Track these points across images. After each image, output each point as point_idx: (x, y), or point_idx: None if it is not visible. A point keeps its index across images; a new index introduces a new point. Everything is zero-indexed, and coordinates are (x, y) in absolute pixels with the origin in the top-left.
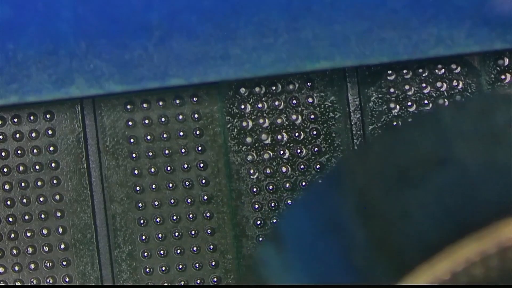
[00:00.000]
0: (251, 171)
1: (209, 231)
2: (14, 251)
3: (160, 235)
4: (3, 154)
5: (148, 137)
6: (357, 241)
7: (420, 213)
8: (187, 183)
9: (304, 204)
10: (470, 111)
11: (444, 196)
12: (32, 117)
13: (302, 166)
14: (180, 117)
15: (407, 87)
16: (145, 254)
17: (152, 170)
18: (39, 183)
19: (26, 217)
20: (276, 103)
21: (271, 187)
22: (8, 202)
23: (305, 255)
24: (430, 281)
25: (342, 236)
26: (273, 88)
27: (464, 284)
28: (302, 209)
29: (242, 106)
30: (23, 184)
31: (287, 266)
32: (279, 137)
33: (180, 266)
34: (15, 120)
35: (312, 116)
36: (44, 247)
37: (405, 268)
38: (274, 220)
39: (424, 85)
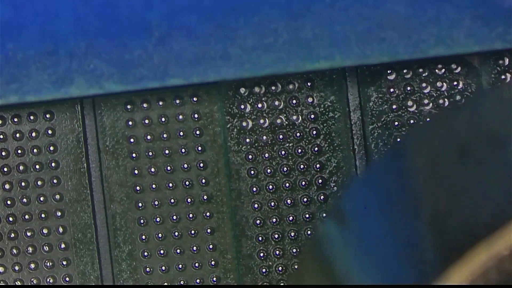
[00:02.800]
0: (251, 171)
1: (208, 230)
2: (14, 251)
3: (160, 235)
4: (3, 153)
5: (148, 137)
6: (419, 219)
7: (482, 190)
8: (187, 183)
9: (367, 180)
10: None
11: (503, 175)
12: (32, 117)
13: (302, 166)
14: (180, 117)
15: (407, 87)
16: (145, 253)
17: (152, 170)
18: (39, 183)
19: (26, 216)
20: (276, 103)
21: (270, 186)
22: (8, 202)
23: (367, 232)
24: (489, 258)
25: (405, 212)
26: (273, 88)
27: None
28: (365, 186)
29: (242, 106)
30: (23, 184)
31: (349, 243)
32: (279, 137)
33: (180, 266)
34: (15, 119)
35: (312, 116)
36: (44, 247)
37: (465, 246)
38: (337, 196)
39: (424, 85)
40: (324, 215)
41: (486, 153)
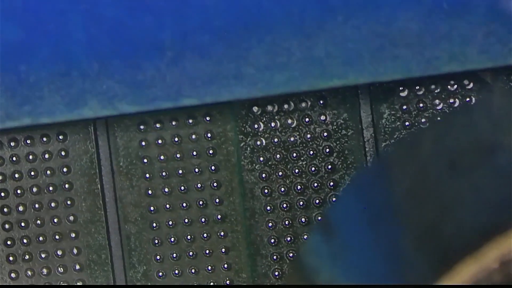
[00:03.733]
0: (265, 190)
1: (223, 250)
2: (29, 273)
3: (174, 255)
4: (17, 175)
5: (162, 157)
6: (408, 229)
7: (472, 200)
8: (201, 202)
9: (354, 191)
10: None
11: (496, 183)
12: (45, 138)
13: (315, 184)
14: (194, 136)
15: (419, 103)
16: (160, 274)
17: (166, 190)
18: (53, 204)
19: (41, 238)
20: (289, 121)
21: (285, 205)
22: (23, 224)
23: (355, 243)
24: (478, 269)
25: (391, 223)
26: (286, 106)
27: None
28: (352, 196)
29: (255, 125)
30: (37, 206)
31: (337, 254)
32: (292, 155)
33: (195, 285)
34: (28, 141)
35: (325, 134)
36: (59, 268)
37: (454, 257)
38: (324, 209)
39: (437, 101)
40: (311, 226)
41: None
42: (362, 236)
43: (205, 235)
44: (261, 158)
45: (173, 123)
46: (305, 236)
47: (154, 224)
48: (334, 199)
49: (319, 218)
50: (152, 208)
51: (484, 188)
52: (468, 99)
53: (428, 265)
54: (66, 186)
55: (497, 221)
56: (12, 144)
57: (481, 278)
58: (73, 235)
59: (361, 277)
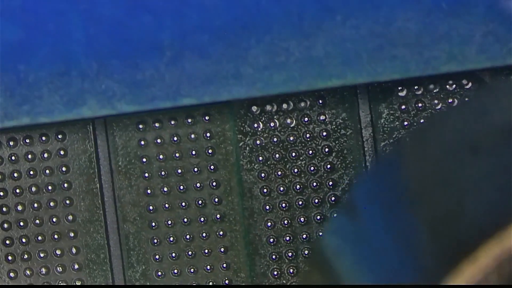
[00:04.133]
0: (264, 189)
1: (222, 249)
2: (28, 272)
3: (173, 254)
4: (15, 175)
5: (161, 157)
6: (430, 211)
7: (490, 184)
8: (199, 202)
9: (376, 173)
10: None
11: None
12: (44, 138)
13: (314, 184)
14: (192, 136)
15: (418, 103)
16: (159, 273)
17: (165, 189)
18: (51, 204)
19: (39, 238)
20: (288, 120)
21: (283, 204)
22: (21, 223)
23: (378, 225)
24: (501, 251)
25: (415, 207)
26: (285, 106)
27: None
28: (374, 179)
29: (254, 125)
30: (35, 205)
31: (362, 236)
32: (291, 154)
33: (194, 285)
34: (27, 141)
35: (324, 133)
36: (58, 268)
37: (470, 247)
38: (349, 190)
39: (435, 101)
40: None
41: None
42: (383, 220)
43: (204, 234)
44: (260, 158)
45: (172, 122)
46: (304, 236)
47: (153, 224)
48: (356, 181)
49: (344, 198)
50: (151, 207)
51: (505, 169)
52: (467, 99)
53: (447, 253)
54: (65, 185)
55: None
56: (11, 143)
57: (506, 259)
58: (71, 234)
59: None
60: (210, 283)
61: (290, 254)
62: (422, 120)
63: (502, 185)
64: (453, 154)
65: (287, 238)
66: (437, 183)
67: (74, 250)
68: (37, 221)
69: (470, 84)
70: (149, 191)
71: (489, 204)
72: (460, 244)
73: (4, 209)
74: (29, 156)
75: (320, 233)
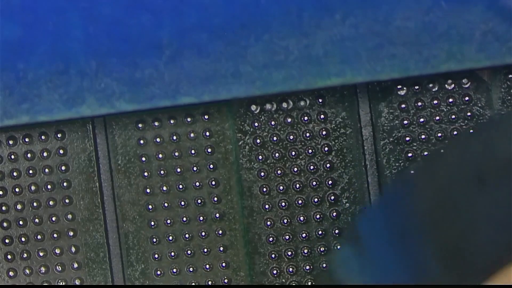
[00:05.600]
0: (263, 188)
1: (221, 248)
2: (27, 271)
3: (172, 253)
4: (15, 173)
5: (160, 155)
6: (436, 246)
7: (498, 216)
8: (199, 201)
9: (382, 206)
10: None
11: None
12: (43, 137)
13: (314, 182)
14: (192, 135)
15: (418, 102)
16: (158, 272)
17: (164, 188)
18: (51, 203)
19: (39, 236)
20: (288, 119)
21: (283, 203)
22: (21, 222)
23: (383, 257)
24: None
25: (420, 239)
26: (284, 104)
27: None
28: (380, 212)
29: (254, 123)
30: (35, 204)
31: (366, 268)
32: (291, 153)
33: (193, 284)
34: (27, 139)
35: (324, 132)
36: (57, 267)
37: (481, 276)
38: (353, 222)
39: (435, 101)
40: (339, 241)
41: (501, 180)
42: (389, 250)
43: (203, 233)
44: (260, 157)
45: (171, 121)
46: (303, 235)
47: (152, 222)
48: (363, 212)
49: (348, 230)
50: (150, 206)
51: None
52: (466, 98)
53: (455, 281)
54: (64, 184)
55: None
56: (11, 142)
57: None
58: (71, 233)
59: None
60: (210, 282)
61: (289, 253)
62: (426, 152)
63: (506, 218)
64: (461, 185)
65: (287, 237)
66: (447, 213)
67: (73, 249)
68: (37, 220)
69: (469, 83)
70: (148, 190)
71: (498, 236)
72: (468, 276)
73: (4, 207)
74: (29, 155)
75: (325, 264)
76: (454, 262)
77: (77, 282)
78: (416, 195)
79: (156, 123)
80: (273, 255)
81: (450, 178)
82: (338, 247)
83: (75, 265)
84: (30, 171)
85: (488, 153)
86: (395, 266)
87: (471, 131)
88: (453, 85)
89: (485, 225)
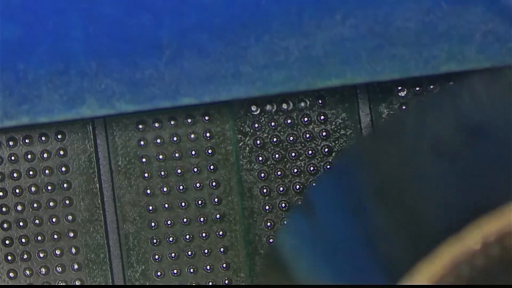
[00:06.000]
0: (264, 189)
1: (222, 249)
2: (27, 272)
3: (173, 254)
4: (15, 175)
5: (160, 156)
6: (389, 212)
7: (452, 186)
8: (199, 201)
9: (334, 174)
10: (505, 82)
11: (477, 169)
12: (43, 138)
13: (314, 184)
14: (192, 136)
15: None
16: (158, 273)
17: (165, 189)
18: (51, 204)
19: (39, 237)
20: (288, 120)
21: (283, 205)
22: (21, 223)
23: (335, 225)
24: (459, 253)
25: (375, 207)
26: (284, 105)
27: (497, 254)
28: (332, 180)
29: (254, 124)
30: (35, 205)
31: (319, 236)
32: (291, 154)
33: (194, 284)
34: (27, 140)
35: (324, 133)
36: (57, 268)
37: (436, 239)
38: (305, 192)
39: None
40: (292, 207)
41: (459, 146)
42: (342, 219)
43: (203, 234)
44: (260, 158)
45: (172, 122)
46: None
47: (153, 223)
48: (315, 181)
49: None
50: (150, 207)
51: (467, 170)
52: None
53: (409, 247)
54: (65, 185)
55: (480, 203)
56: (11, 143)
57: (463, 260)
58: (71, 234)
59: (341, 260)
60: (210, 283)
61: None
62: (384, 119)
63: (463, 187)
64: (415, 154)
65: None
66: (399, 184)
67: (73, 250)
68: (37, 221)
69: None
70: (148, 191)
71: (448, 204)
72: (420, 243)
73: (4, 209)
74: (29, 156)
75: (276, 235)
76: (408, 230)
77: (78, 283)
78: (369, 163)
79: (157, 124)
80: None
81: (406, 145)
82: (289, 217)
83: (76, 266)
84: (30, 172)
85: (446, 120)
86: (348, 235)
87: (430, 96)
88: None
89: (442, 192)
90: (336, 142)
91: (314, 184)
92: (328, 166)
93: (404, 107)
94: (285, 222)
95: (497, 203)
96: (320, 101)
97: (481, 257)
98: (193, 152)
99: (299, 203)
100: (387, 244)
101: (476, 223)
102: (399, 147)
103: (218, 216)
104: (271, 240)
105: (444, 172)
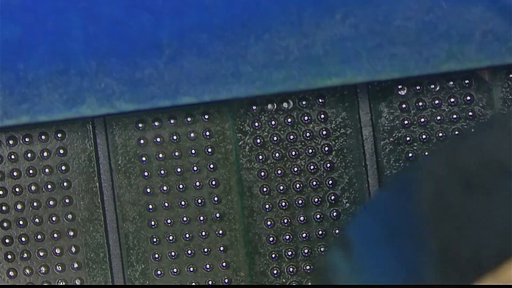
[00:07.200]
0: (263, 188)
1: (221, 248)
2: (27, 271)
3: (173, 253)
4: (15, 173)
5: (160, 156)
6: (424, 249)
7: (491, 220)
8: (199, 201)
9: (372, 210)
10: None
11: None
12: (43, 137)
13: (314, 183)
14: (192, 135)
15: (418, 102)
16: (158, 272)
17: (164, 188)
18: (51, 203)
19: (39, 236)
20: (288, 119)
21: (283, 203)
22: (21, 222)
23: (372, 262)
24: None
25: (410, 243)
26: (285, 104)
27: None
28: (371, 215)
29: (254, 123)
30: (35, 204)
31: (356, 271)
32: (291, 153)
33: (193, 284)
34: (27, 139)
35: (324, 132)
36: (57, 267)
37: (471, 278)
38: (343, 227)
39: (436, 101)
40: (330, 244)
41: (491, 183)
42: (380, 256)
43: (203, 233)
44: (260, 157)
45: (171, 121)
46: (304, 235)
47: (152, 223)
48: (352, 217)
49: (337, 233)
50: (150, 206)
51: (501, 207)
52: (468, 98)
53: (445, 284)
54: (65, 184)
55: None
56: (11, 142)
57: None
58: (71, 233)
59: None
60: (210, 282)
61: (289, 253)
62: (420, 156)
63: (501, 221)
64: (452, 188)
65: (287, 237)
66: (436, 218)
67: (73, 249)
68: (37, 220)
69: (469, 83)
70: (148, 190)
71: (489, 239)
72: (461, 278)
73: (4, 207)
74: (29, 155)
75: (314, 267)
76: (446, 265)
77: (77, 282)
78: (406, 198)
79: (156, 123)
80: (273, 255)
81: (440, 181)
82: (327, 250)
83: (75, 265)
84: (30, 171)
85: (478, 156)
86: (385, 270)
87: (460, 134)
88: (453, 85)
89: (476, 228)
90: (336, 140)
91: (351, 219)
92: (329, 165)
93: (435, 147)
94: (323, 256)
95: None
96: (320, 100)
97: None
98: (193, 151)
99: (337, 237)
100: (423, 279)
101: (509, 262)
102: (433, 182)
103: (217, 215)
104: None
105: (478, 208)
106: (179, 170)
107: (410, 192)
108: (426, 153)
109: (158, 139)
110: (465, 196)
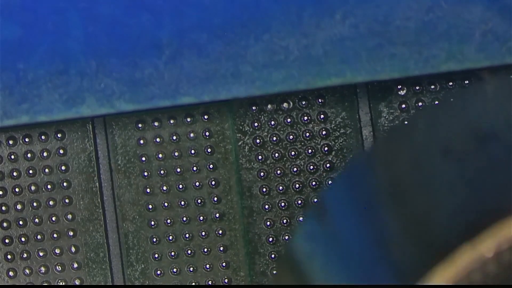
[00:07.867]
0: (263, 188)
1: (221, 248)
2: (27, 271)
3: (172, 253)
4: (15, 174)
5: (160, 155)
6: (401, 218)
7: (463, 190)
8: (199, 201)
9: (346, 177)
10: None
11: (489, 173)
12: (43, 137)
13: (314, 183)
14: (191, 135)
15: (418, 102)
16: (158, 272)
17: (164, 188)
18: (51, 203)
19: (39, 236)
20: (288, 119)
21: (283, 204)
22: (20, 222)
23: (347, 230)
24: (472, 260)
25: (384, 211)
26: (284, 104)
27: (509, 262)
28: (344, 183)
29: (253, 123)
30: (35, 204)
31: (328, 240)
32: (291, 153)
33: (193, 284)
34: (26, 139)
35: (324, 132)
36: (57, 267)
37: (448, 247)
38: (318, 196)
39: (436, 101)
40: (306, 213)
41: (469, 151)
42: (354, 222)
43: (203, 233)
44: (259, 157)
45: (171, 121)
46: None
47: (152, 222)
48: (328, 184)
49: (314, 201)
50: (150, 206)
51: (477, 174)
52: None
53: (421, 252)
54: (64, 184)
55: (491, 208)
56: (10, 142)
57: (476, 267)
58: (71, 233)
59: (353, 263)
60: (210, 282)
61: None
62: (396, 121)
63: (474, 191)
64: (427, 158)
65: (286, 237)
66: (411, 187)
67: (73, 249)
68: (37, 220)
69: (469, 83)
70: (148, 190)
71: (459, 209)
72: (431, 249)
73: (4, 208)
74: (29, 155)
75: (289, 236)
76: (419, 234)
77: (77, 282)
78: (381, 167)
79: (156, 123)
80: (273, 255)
81: (416, 149)
82: (301, 220)
83: (75, 265)
84: (30, 171)
85: (454, 125)
86: (360, 239)
87: (439, 102)
88: (453, 85)
89: (450, 197)
90: (336, 141)
91: (326, 188)
92: (328, 165)
93: (415, 110)
94: (299, 225)
95: (508, 208)
96: (320, 100)
97: (493, 264)
98: (193, 151)
99: (312, 206)
100: (398, 249)
101: (489, 230)
102: (410, 150)
103: (217, 215)
104: (287, 238)
105: (455, 176)
106: (179, 170)
107: (387, 159)
108: (404, 120)
109: (158, 139)
110: (442, 164)
